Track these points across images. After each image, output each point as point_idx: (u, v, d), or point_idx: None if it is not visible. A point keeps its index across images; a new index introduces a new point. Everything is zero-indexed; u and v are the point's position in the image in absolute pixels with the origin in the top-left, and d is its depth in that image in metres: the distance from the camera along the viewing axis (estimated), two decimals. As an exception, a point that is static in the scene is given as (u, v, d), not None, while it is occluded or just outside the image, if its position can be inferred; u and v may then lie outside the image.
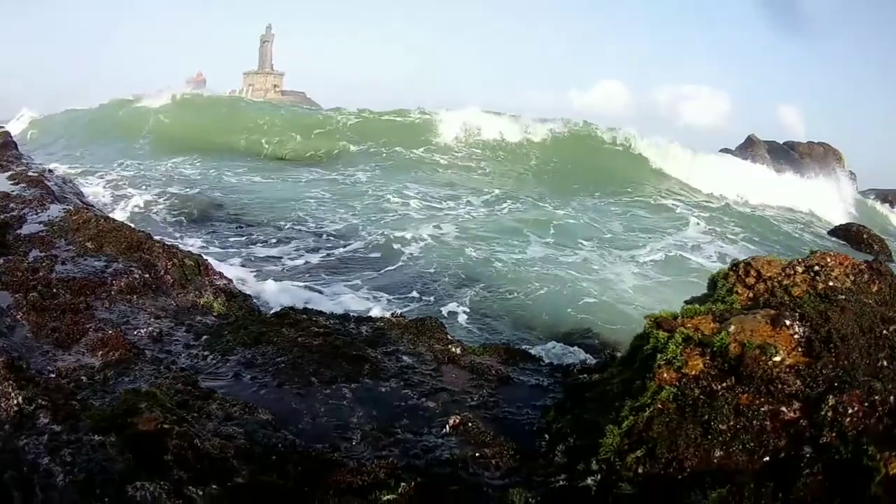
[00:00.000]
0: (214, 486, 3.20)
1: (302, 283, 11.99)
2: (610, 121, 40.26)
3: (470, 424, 4.72)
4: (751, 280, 4.49)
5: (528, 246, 17.69)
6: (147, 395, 3.74)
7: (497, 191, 26.65)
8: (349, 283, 12.82)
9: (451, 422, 4.77)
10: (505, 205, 23.90)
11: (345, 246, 15.86)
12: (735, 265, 4.72)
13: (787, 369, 3.47)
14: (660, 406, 3.61)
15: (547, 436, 4.68)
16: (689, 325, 4.07)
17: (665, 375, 3.75)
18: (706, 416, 3.41)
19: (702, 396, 3.52)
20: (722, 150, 55.07)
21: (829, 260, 4.28)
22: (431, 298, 12.12)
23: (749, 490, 2.97)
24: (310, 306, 8.42)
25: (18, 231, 8.72)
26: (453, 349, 6.49)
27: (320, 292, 11.67)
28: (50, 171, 15.26)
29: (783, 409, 3.32)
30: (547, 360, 7.18)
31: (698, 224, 23.83)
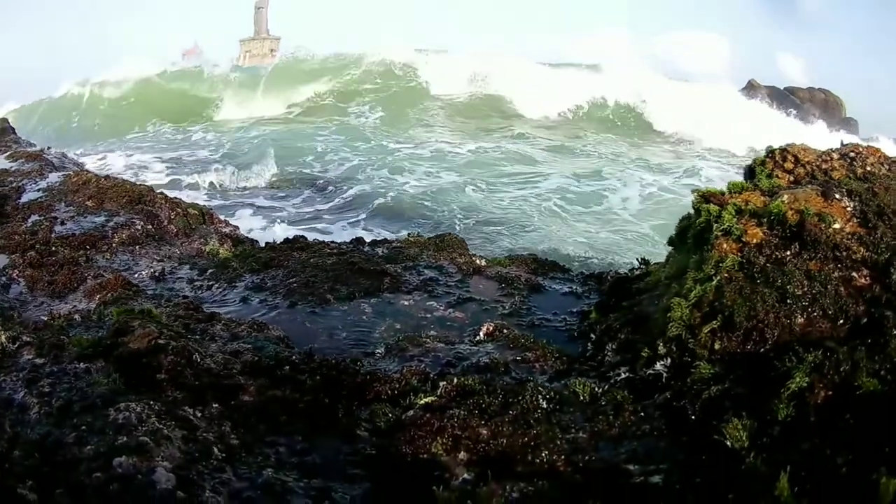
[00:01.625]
0: (215, 406, 2.73)
1: (307, 226, 11.61)
2: (615, 64, 37.77)
3: (505, 331, 4.26)
4: (789, 165, 4.28)
5: (538, 183, 17.15)
6: (142, 312, 3.29)
7: (506, 133, 25.97)
8: (355, 219, 12.44)
9: (484, 329, 4.31)
10: (508, 145, 23.19)
11: (348, 188, 15.44)
12: (771, 152, 4.50)
13: (849, 237, 3.25)
14: (726, 274, 3.24)
15: (593, 336, 4.27)
16: (738, 199, 3.77)
17: (725, 246, 3.43)
18: (779, 282, 3.10)
19: (768, 264, 3.22)
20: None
21: (861, 149, 4.15)
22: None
23: (843, 353, 2.61)
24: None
25: (18, 201, 8.40)
26: (478, 261, 6.01)
27: (328, 232, 11.28)
28: (49, 148, 14.99)
29: (854, 275, 3.11)
30: (577, 270, 6.74)
31: (707, 161, 23.31)
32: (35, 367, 2.91)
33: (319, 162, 19.17)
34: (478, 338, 4.26)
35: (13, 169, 10.40)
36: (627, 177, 18.43)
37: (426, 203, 14.09)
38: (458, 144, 22.90)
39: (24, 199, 8.30)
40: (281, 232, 10.58)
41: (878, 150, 4.18)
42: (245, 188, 15.85)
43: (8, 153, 12.22)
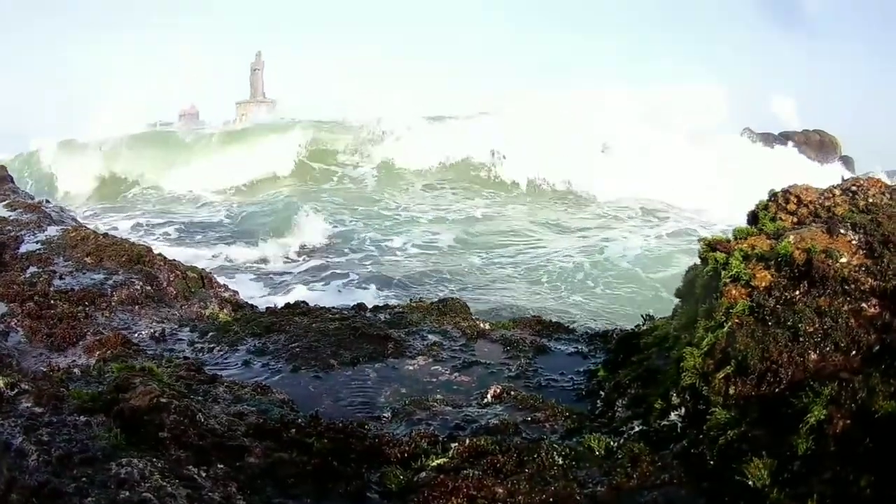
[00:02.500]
0: (220, 466, 2.65)
1: (308, 288, 11.62)
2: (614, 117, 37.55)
3: (513, 393, 4.22)
4: (792, 206, 4.27)
5: (537, 245, 17.22)
6: (143, 370, 3.22)
7: (503, 197, 26.14)
8: (352, 283, 12.44)
9: (491, 391, 4.27)
10: (506, 210, 23.34)
11: (344, 253, 15.50)
12: (773, 195, 4.54)
13: (857, 268, 3.28)
14: (737, 320, 3.25)
15: (602, 393, 4.24)
16: (744, 244, 3.82)
17: (734, 292, 3.45)
18: (790, 321, 3.13)
19: (778, 305, 3.25)
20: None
21: (862, 182, 4.17)
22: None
23: (858, 382, 2.64)
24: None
25: (16, 250, 8.33)
26: (481, 325, 5.98)
27: (326, 294, 11.30)
28: (47, 200, 15.04)
29: (863, 305, 3.12)
30: (581, 330, 6.71)
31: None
32: (34, 416, 2.82)
33: (317, 225, 19.22)
34: (485, 400, 4.22)
35: (12, 218, 10.27)
36: (629, 236, 18.53)
37: (423, 268, 14.13)
38: (453, 209, 23.07)
39: (23, 249, 8.19)
40: (281, 296, 10.54)
41: (878, 180, 4.22)
42: (249, 258, 15.86)
43: (6, 202, 12.12)
